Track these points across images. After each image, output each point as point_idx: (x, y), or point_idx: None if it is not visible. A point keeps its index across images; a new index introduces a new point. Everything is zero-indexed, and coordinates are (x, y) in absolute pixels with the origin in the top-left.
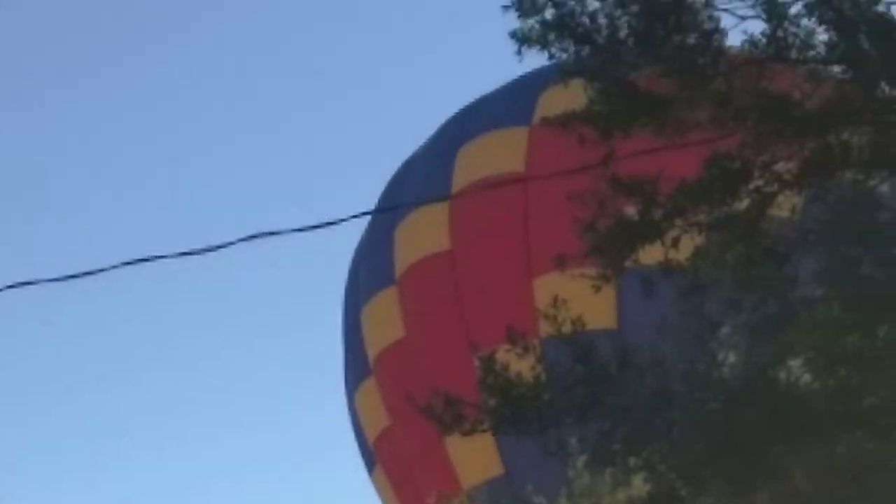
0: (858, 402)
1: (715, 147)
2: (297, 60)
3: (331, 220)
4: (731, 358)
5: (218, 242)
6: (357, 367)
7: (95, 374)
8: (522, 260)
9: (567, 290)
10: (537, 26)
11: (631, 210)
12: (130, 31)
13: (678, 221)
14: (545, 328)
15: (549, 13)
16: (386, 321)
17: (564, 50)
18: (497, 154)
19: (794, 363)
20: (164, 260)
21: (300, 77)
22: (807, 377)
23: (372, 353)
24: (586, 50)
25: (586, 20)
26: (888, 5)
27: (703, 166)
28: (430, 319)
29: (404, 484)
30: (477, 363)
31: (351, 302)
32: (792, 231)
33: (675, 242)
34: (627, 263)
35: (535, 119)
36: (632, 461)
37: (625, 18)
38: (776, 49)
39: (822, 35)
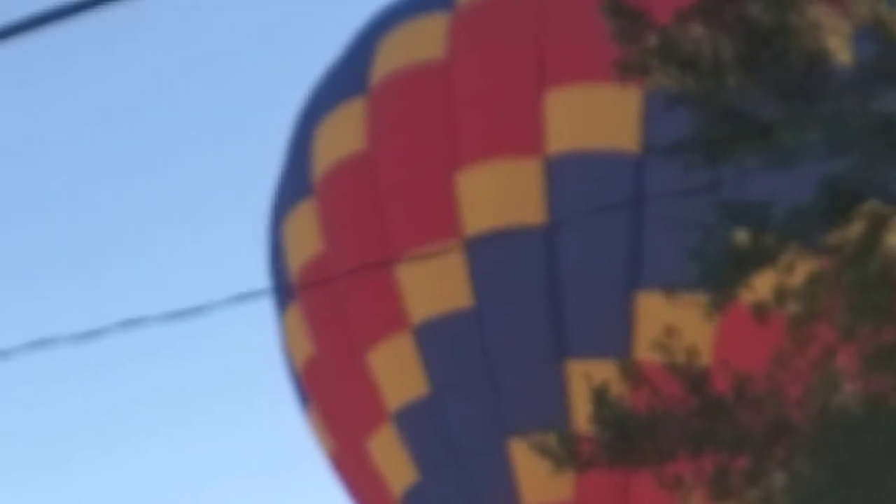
0: None
1: (827, 170)
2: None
3: None
4: (849, 386)
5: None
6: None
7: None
8: (444, 154)
9: (494, 178)
10: (639, 53)
11: (741, 236)
12: None
13: (792, 246)
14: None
15: (651, 40)
16: (305, 231)
17: (667, 76)
18: (415, 42)
19: None
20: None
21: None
22: None
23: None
24: (690, 76)
25: (689, 46)
26: None
27: (816, 189)
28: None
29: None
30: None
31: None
32: None
33: (790, 268)
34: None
35: (458, 4)
36: (751, 493)
37: (728, 43)
38: (886, 69)
39: None
